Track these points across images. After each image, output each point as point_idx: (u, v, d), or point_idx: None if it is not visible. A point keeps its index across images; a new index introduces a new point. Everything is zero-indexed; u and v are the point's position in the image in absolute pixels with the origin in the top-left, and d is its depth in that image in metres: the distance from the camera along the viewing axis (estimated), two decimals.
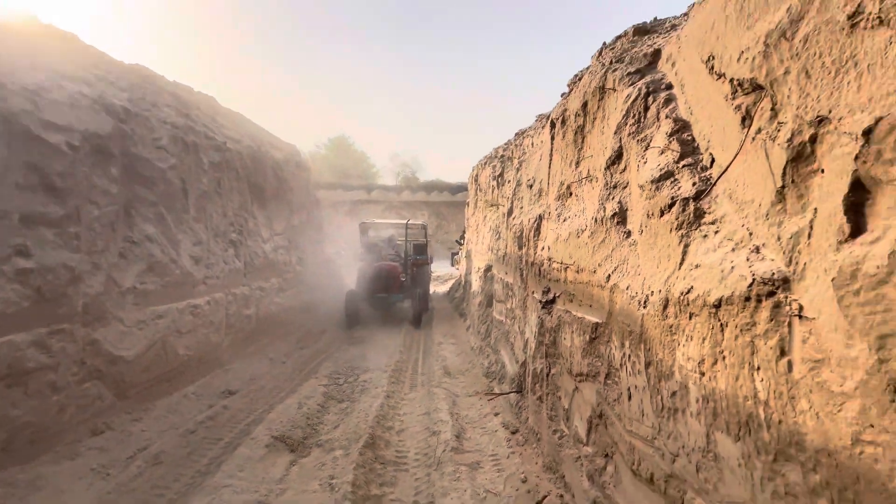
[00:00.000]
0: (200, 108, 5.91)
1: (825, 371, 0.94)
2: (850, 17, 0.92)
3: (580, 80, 2.84)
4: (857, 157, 0.89)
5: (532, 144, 4.49)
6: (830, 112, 0.97)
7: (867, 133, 0.86)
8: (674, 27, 2.29)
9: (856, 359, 0.87)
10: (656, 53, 2.13)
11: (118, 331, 3.55)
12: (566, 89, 3.21)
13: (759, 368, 1.13)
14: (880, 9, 0.85)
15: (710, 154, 1.54)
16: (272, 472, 3.00)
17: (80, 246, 3.21)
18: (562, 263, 2.82)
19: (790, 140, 1.07)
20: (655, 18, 2.55)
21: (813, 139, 1.01)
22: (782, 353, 1.06)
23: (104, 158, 3.56)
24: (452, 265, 17.80)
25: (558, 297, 2.92)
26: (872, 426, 0.83)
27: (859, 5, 0.90)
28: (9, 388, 2.62)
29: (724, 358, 1.27)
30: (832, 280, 0.92)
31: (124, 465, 3.02)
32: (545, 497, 2.52)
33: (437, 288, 14.11)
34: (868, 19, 0.88)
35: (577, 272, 2.53)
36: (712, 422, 1.31)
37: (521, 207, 4.58)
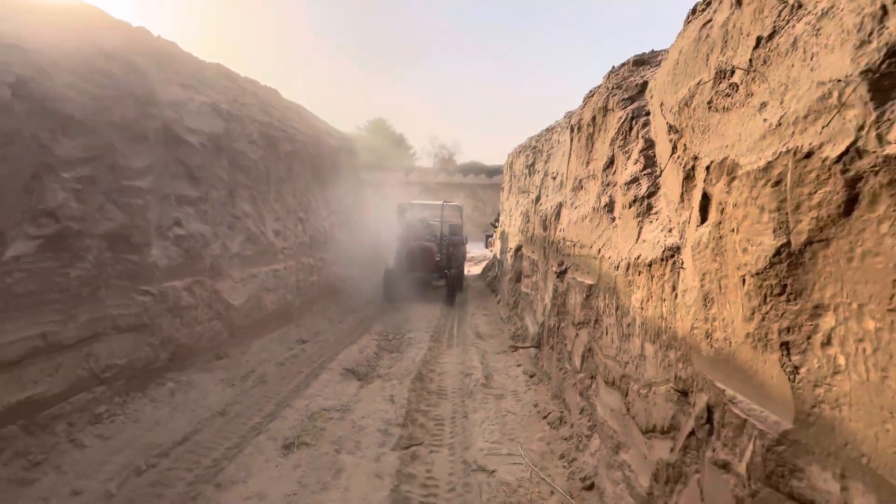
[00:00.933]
0: (274, 105, 6.97)
1: (686, 295, 1.74)
2: (708, 103, 1.68)
3: (592, 97, 3.57)
4: (704, 181, 1.66)
5: (557, 141, 5.21)
6: (699, 154, 1.74)
7: (708, 168, 1.64)
8: (661, 62, 2.98)
9: (694, 287, 1.67)
10: (644, 84, 2.85)
11: (230, 285, 4.67)
12: (583, 101, 3.92)
13: (664, 300, 1.94)
14: (715, 102, 1.61)
15: (660, 167, 2.29)
16: (348, 390, 4.03)
17: (207, 219, 4.31)
18: (572, 242, 3.61)
19: (685, 166, 1.85)
20: (652, 51, 3.22)
21: (693, 168, 1.78)
22: (673, 289, 1.86)
23: (219, 152, 4.63)
24: (486, 247, 18.51)
25: (569, 268, 3.72)
26: (697, 319, 1.64)
27: (711, 97, 1.66)
28: (174, 317, 3.75)
29: (651, 297, 2.07)
30: (691, 247, 1.72)
31: (242, 381, 4.14)
32: (549, 413, 3.40)
33: (472, 269, 14.94)
34: (713, 105, 1.64)
35: (581, 248, 3.32)
36: (644, 336, 2.12)
37: (547, 195, 5.34)
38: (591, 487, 2.43)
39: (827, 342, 1.08)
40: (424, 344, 5.76)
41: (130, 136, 3.31)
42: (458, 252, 10.31)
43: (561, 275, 3.92)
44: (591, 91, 3.78)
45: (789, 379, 1.18)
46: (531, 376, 4.38)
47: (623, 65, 3.33)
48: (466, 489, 2.60)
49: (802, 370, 1.14)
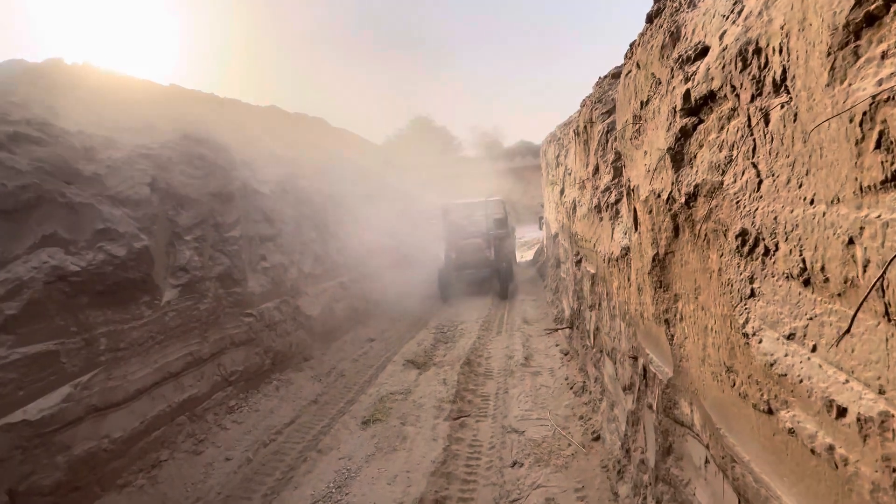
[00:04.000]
0: (323, 136, 8.00)
1: (633, 285, 2.30)
2: (631, 139, 2.21)
3: (584, 107, 4.03)
4: (632, 198, 2.20)
5: (570, 139, 5.63)
6: (630, 177, 2.27)
7: (632, 190, 2.18)
8: None
9: (633, 280, 2.23)
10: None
11: (307, 300, 5.72)
12: (580, 106, 4.37)
13: (625, 288, 2.49)
14: (633, 140, 2.15)
15: (627, 177, 2.80)
16: (409, 377, 4.89)
17: (284, 251, 5.35)
18: (580, 236, 4.13)
19: (625, 185, 2.38)
20: None
21: (629, 187, 2.32)
22: (628, 279, 2.42)
23: (285, 194, 5.66)
24: (540, 229, 18.75)
25: (582, 258, 4.25)
26: (637, 303, 2.20)
27: (632, 134, 2.19)
28: (270, 331, 4.82)
29: (620, 285, 2.63)
30: (631, 248, 2.27)
31: (326, 376, 5.16)
32: (575, 384, 3.99)
33: (525, 254, 15.32)
34: (632, 139, 2.17)
35: (585, 241, 3.85)
36: (619, 316, 2.68)
37: (568, 188, 5.79)
38: (597, 439, 3.04)
39: (681, 318, 1.65)
40: (474, 333, 6.51)
41: (222, 199, 4.36)
42: (506, 245, 10.73)
43: (578, 263, 4.45)
44: (583, 100, 4.23)
45: (670, 343, 1.75)
46: (565, 354, 4.96)
47: (605, 76, 3.77)
48: (503, 446, 3.32)
49: (675, 337, 1.72)
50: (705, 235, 1.37)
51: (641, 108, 1.92)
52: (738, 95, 1.17)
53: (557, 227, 7.61)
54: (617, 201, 2.81)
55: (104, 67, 6.28)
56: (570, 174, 5.32)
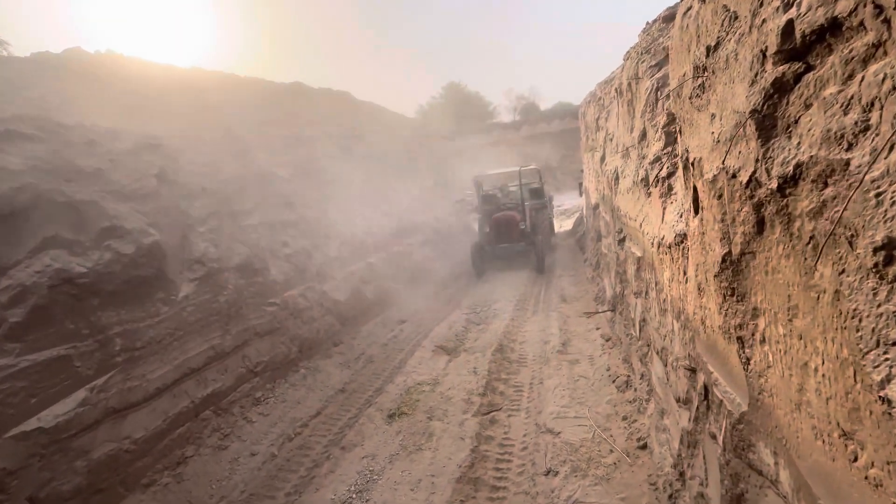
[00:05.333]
0: (347, 110, 7.68)
1: (690, 282, 1.87)
2: (692, 98, 1.73)
3: (628, 60, 3.43)
4: (692, 174, 1.74)
5: (612, 98, 4.97)
6: (689, 147, 1.80)
7: (693, 163, 1.72)
8: None
9: (692, 275, 1.79)
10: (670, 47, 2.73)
11: (334, 284, 5.59)
12: (623, 60, 3.76)
13: (680, 283, 2.06)
14: (694, 99, 1.67)
15: (685, 147, 2.29)
16: (438, 365, 4.68)
17: (306, 235, 5.19)
18: (623, 212, 3.63)
19: (681, 156, 1.91)
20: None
21: (687, 159, 1.85)
22: (684, 273, 1.98)
23: (307, 176, 5.45)
24: (581, 195, 17.82)
25: (626, 236, 3.76)
26: (696, 305, 1.77)
27: (692, 92, 1.70)
28: (296, 318, 4.73)
29: (673, 278, 2.19)
30: (689, 236, 1.82)
31: (354, 362, 5.05)
32: (618, 377, 3.61)
33: (564, 223, 14.58)
34: (693, 97, 1.69)
35: (630, 219, 3.36)
36: (672, 313, 2.26)
37: (609, 156, 5.18)
38: (644, 447, 2.68)
39: (763, 340, 1.24)
40: (508, 314, 6.18)
41: (238, 187, 4.19)
42: (542, 216, 10.14)
43: (620, 242, 3.96)
44: (628, 51, 3.62)
45: (744, 368, 1.35)
46: (607, 340, 4.55)
47: (654, 21, 3.15)
48: (536, 448, 3.04)
49: (752, 362, 1.31)
50: (810, 238, 0.95)
51: (707, 55, 1.44)
52: (887, 21, 0.72)
53: (598, 197, 6.98)
54: (670, 175, 2.32)
55: (127, 54, 6.18)
56: (611, 139, 4.72)
